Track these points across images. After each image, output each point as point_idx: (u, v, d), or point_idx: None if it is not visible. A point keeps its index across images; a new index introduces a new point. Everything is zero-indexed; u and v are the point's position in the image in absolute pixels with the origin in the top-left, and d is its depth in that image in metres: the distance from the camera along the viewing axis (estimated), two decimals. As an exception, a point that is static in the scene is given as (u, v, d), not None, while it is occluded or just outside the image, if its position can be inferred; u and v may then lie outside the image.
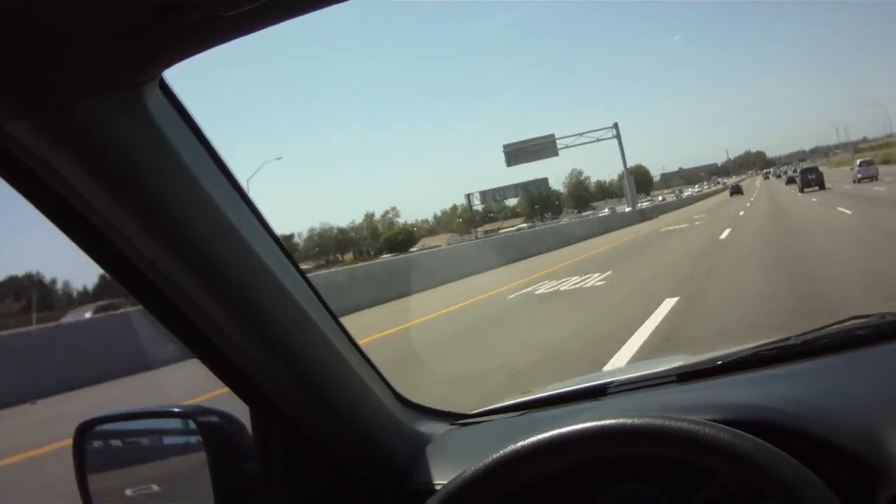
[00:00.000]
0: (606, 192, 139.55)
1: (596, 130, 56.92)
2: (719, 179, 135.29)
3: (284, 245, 1.00)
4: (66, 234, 0.86)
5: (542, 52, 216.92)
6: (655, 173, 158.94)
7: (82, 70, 0.69)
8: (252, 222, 0.94)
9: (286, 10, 0.70)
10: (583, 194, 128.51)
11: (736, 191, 68.05)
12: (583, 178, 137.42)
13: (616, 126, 57.71)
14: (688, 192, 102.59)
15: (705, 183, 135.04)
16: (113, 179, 0.78)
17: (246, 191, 0.93)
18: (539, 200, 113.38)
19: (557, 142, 57.77)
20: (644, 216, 46.47)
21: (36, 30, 0.63)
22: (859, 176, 34.83)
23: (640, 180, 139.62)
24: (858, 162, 37.74)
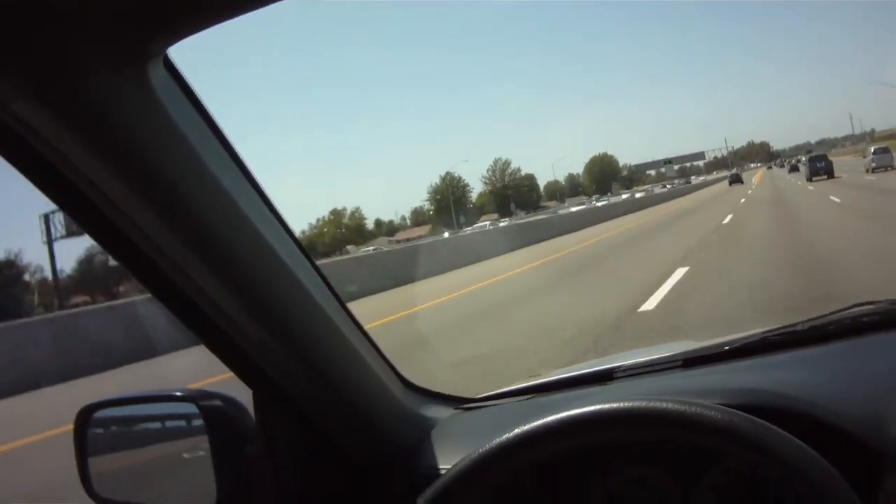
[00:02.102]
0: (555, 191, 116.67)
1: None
2: (678, 180, 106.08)
3: (290, 227, 0.99)
4: (69, 215, 0.86)
5: (525, 38, 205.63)
6: (638, 161, 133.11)
7: (85, 46, 0.68)
8: (257, 202, 0.93)
9: None
10: (509, 193, 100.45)
11: (735, 179, 65.64)
12: (511, 170, 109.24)
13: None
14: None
15: (667, 182, 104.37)
16: (116, 157, 0.77)
17: (250, 170, 0.92)
18: (452, 204, 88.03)
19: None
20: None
21: (37, 4, 0.62)
22: (873, 165, 32.30)
23: (607, 172, 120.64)
24: (872, 149, 34.78)
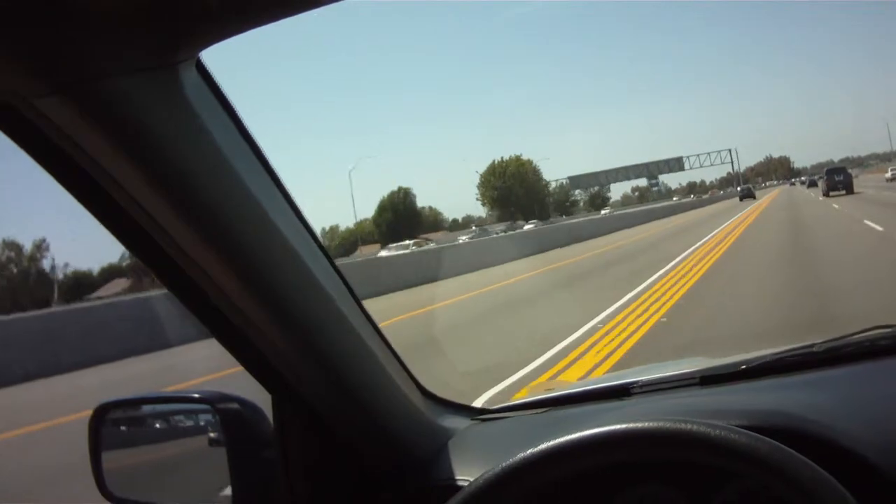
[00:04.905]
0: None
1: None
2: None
3: (314, 231, 0.99)
4: (93, 214, 0.86)
5: (531, 51, 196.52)
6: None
7: (117, 47, 0.68)
8: (284, 208, 0.93)
9: None
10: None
11: (747, 194, 58.70)
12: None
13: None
14: None
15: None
16: (143, 159, 0.77)
17: (278, 174, 0.92)
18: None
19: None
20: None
21: (72, 2, 0.62)
22: None
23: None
24: None
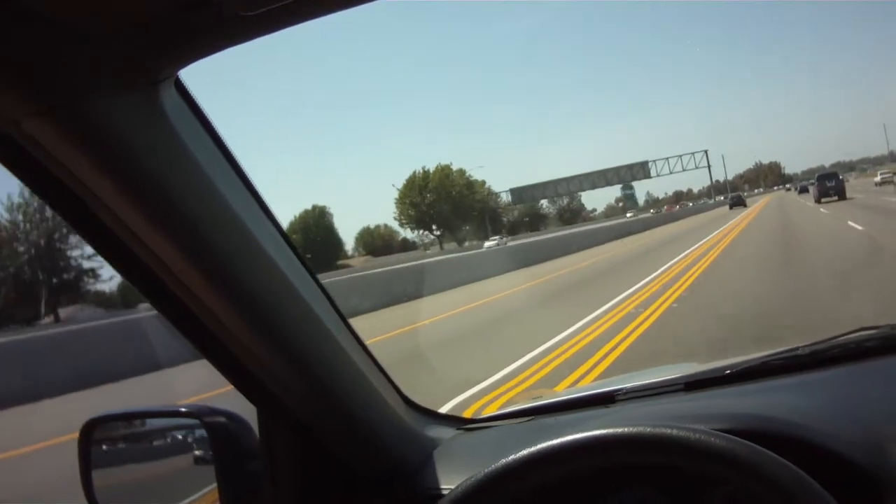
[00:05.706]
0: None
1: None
2: None
3: (296, 247, 1.01)
4: (77, 232, 0.87)
5: (533, 58, 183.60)
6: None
7: (98, 67, 0.70)
8: (264, 223, 0.94)
9: (306, 12, 0.70)
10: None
11: (737, 202, 54.10)
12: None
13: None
14: None
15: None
16: (126, 177, 0.78)
17: (259, 192, 0.94)
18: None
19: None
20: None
21: (53, 25, 0.63)
22: None
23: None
24: None
